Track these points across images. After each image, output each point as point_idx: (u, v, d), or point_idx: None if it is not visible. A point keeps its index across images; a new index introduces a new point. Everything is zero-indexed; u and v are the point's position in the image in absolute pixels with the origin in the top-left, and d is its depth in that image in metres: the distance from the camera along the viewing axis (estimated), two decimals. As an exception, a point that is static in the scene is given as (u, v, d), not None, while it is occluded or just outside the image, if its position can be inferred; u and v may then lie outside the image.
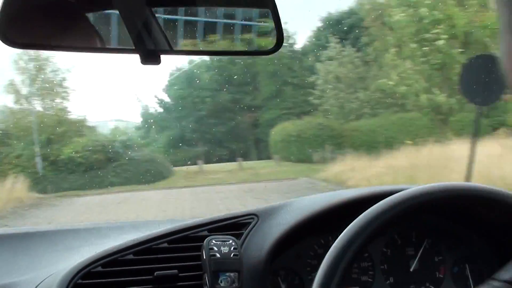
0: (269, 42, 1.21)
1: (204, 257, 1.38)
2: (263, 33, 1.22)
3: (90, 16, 1.17)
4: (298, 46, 42.39)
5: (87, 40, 1.15)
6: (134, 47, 1.17)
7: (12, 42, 1.08)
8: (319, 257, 1.62)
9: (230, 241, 1.42)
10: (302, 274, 1.61)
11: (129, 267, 1.40)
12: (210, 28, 1.18)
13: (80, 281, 1.32)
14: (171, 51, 1.23)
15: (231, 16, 1.20)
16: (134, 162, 24.33)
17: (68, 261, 1.42)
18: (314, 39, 39.17)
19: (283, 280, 1.60)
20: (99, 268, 1.37)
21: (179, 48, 1.20)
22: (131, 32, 1.14)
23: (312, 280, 1.59)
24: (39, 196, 19.40)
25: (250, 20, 1.22)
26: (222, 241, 1.41)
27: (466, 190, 1.15)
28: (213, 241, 1.40)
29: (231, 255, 1.38)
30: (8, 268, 1.57)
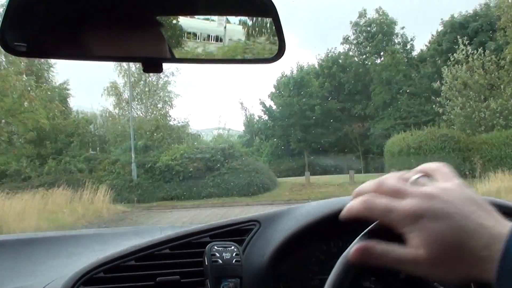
0: (271, 50, 1.22)
1: (206, 263, 1.39)
2: (264, 42, 1.23)
3: (92, 24, 1.18)
4: (415, 52, 41.75)
5: (89, 48, 1.16)
6: (136, 56, 1.18)
7: (13, 50, 1.09)
8: (322, 264, 1.63)
9: (232, 247, 1.42)
10: (304, 281, 1.62)
11: (131, 273, 1.41)
12: (211, 36, 1.19)
13: (82, 287, 1.33)
14: (173, 59, 1.24)
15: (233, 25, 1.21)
16: (236, 171, 23.01)
17: (70, 267, 1.43)
18: (435, 44, 37.88)
19: (285, 286, 1.60)
20: (101, 274, 1.37)
21: (180, 56, 1.20)
22: (133, 40, 1.15)
23: (314, 287, 1.60)
24: (124, 210, 18.43)
25: (251, 28, 1.23)
26: (224, 247, 1.42)
27: None
28: (215, 247, 1.41)
29: (233, 261, 1.39)
30: (10, 274, 1.58)
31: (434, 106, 27.48)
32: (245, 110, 47.81)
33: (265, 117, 46.81)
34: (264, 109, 46.11)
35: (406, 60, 40.84)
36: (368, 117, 41.54)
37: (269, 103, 45.89)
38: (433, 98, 27.46)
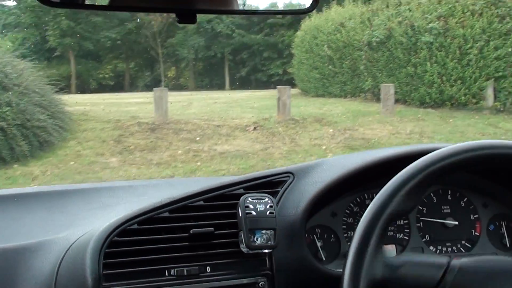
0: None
1: (240, 215, 1.38)
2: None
3: None
4: None
5: None
6: (170, 6, 1.16)
7: (48, 1, 1.07)
8: (355, 215, 1.62)
9: (266, 199, 1.41)
10: (338, 232, 1.61)
11: (165, 225, 1.41)
12: None
13: (116, 238, 1.33)
14: (207, 10, 1.21)
15: None
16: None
17: (104, 219, 1.43)
18: None
19: (319, 238, 1.60)
20: (135, 226, 1.38)
21: (214, 7, 1.18)
22: None
23: (347, 238, 1.61)
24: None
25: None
26: (258, 199, 1.41)
27: (504, 147, 1.12)
28: (249, 199, 1.40)
29: (267, 213, 1.38)
30: (44, 225, 1.59)
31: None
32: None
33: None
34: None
35: None
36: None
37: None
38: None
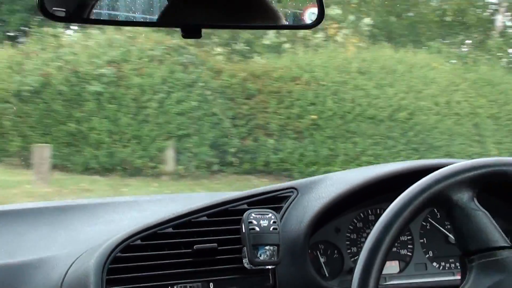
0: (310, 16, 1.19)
1: (244, 231, 1.38)
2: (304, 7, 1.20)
3: None
4: None
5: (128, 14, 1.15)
6: (175, 22, 1.17)
7: (52, 15, 1.08)
8: (359, 231, 1.62)
9: (270, 215, 1.41)
10: (341, 248, 1.61)
11: (168, 241, 1.41)
12: (251, 2, 1.16)
13: (119, 254, 1.33)
14: (212, 25, 1.22)
15: None
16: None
17: (107, 235, 1.43)
18: None
19: (322, 254, 1.59)
20: (138, 242, 1.37)
21: (220, 22, 1.19)
22: (172, 6, 1.14)
23: (351, 254, 1.60)
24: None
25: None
26: (262, 214, 1.41)
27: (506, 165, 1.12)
28: (253, 215, 1.40)
29: (271, 229, 1.38)
30: (47, 241, 1.59)
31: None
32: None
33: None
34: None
35: None
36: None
37: None
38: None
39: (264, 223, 1.39)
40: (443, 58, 10.96)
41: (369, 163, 8.24)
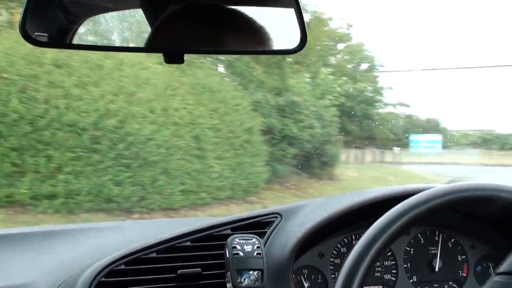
0: (293, 41, 1.20)
1: (227, 256, 1.38)
2: (287, 32, 1.21)
3: (114, 15, 1.18)
4: None
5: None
6: (158, 47, 1.18)
7: (35, 40, 1.09)
8: (342, 256, 1.62)
9: (253, 240, 1.42)
10: (325, 273, 1.61)
11: (152, 265, 1.41)
12: (234, 27, 1.18)
13: (103, 279, 1.33)
14: (195, 50, 1.23)
15: (255, 15, 1.20)
16: None
17: (91, 260, 1.43)
18: None
19: (306, 278, 1.60)
20: (122, 266, 1.37)
21: (202, 47, 1.19)
22: (155, 31, 1.15)
23: (335, 279, 1.61)
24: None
25: (274, 19, 1.21)
26: (245, 239, 1.41)
27: (489, 190, 1.13)
28: (236, 240, 1.40)
29: (254, 254, 1.39)
30: (31, 266, 1.58)
31: None
32: None
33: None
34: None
35: None
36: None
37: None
38: None
39: (248, 248, 1.39)
40: (152, 56, 8.74)
41: (67, 182, 6.84)
